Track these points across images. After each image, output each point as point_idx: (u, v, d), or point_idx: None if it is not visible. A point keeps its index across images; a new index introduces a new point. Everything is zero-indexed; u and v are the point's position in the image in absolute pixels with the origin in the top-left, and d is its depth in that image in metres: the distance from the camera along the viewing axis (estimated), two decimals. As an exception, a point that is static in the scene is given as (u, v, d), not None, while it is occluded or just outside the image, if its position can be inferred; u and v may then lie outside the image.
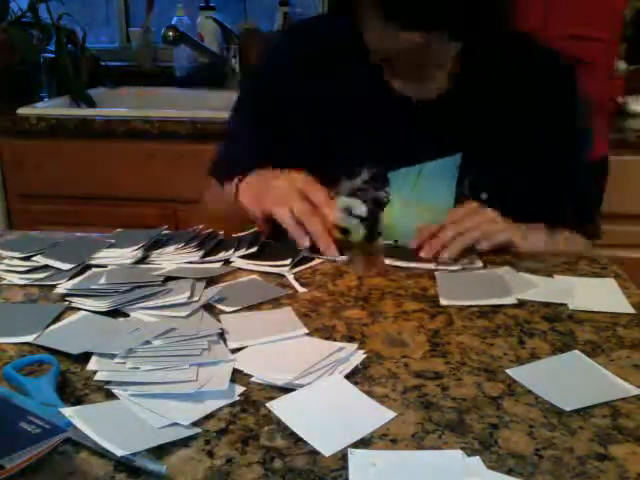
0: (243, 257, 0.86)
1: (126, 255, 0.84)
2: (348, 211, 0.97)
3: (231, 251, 0.87)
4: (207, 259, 0.85)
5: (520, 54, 0.98)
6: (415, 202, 0.97)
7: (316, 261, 0.86)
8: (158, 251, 0.86)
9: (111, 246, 0.87)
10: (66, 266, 0.81)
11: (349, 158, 0.98)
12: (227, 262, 0.86)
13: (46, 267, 0.82)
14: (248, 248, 0.87)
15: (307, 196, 0.87)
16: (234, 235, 0.92)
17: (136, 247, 0.85)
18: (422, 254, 0.87)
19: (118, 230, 0.93)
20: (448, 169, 0.97)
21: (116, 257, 0.84)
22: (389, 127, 0.97)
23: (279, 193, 0.88)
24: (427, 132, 0.96)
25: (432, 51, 0.85)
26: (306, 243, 0.86)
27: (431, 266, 0.85)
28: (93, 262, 0.83)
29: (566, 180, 1.01)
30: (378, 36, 0.85)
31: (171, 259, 0.84)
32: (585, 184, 1.05)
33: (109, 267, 0.82)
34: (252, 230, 0.93)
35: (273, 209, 0.87)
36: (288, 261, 0.84)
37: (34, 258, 0.84)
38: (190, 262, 0.84)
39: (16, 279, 0.79)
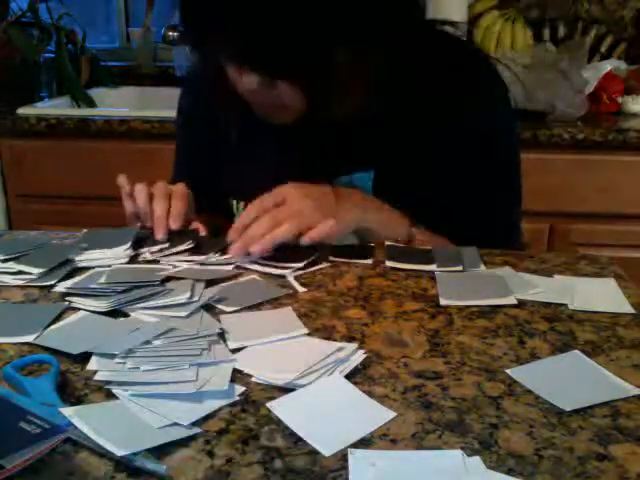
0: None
1: (119, 255, 0.84)
2: None
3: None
4: (215, 261, 0.85)
5: (440, 65, 0.94)
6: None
7: (321, 264, 0.86)
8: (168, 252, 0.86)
9: (90, 247, 0.86)
10: (36, 271, 0.80)
11: (262, 177, 0.94)
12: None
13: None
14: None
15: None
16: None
17: (126, 246, 0.85)
18: (231, 252, 0.83)
19: (84, 230, 0.93)
20: (362, 183, 0.97)
21: (107, 258, 0.84)
22: (296, 147, 0.97)
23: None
24: (339, 149, 0.94)
25: (278, 94, 0.84)
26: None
27: (433, 267, 0.84)
28: (81, 264, 0.83)
29: (479, 199, 0.98)
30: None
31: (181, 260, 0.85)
32: (495, 202, 1.01)
33: (100, 268, 0.82)
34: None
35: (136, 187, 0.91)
36: (297, 265, 0.84)
37: (8, 263, 0.83)
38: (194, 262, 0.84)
39: (10, 279, 0.79)
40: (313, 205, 0.84)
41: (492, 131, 0.97)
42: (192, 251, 0.87)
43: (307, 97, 0.85)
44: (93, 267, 0.82)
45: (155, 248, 0.87)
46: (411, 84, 0.93)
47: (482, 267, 0.84)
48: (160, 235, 0.88)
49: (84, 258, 0.84)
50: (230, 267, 0.84)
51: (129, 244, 0.86)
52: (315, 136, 0.93)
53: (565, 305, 0.75)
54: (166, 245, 0.87)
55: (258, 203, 0.85)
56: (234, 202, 1.05)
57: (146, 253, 0.86)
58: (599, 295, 0.78)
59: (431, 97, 0.95)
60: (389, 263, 0.86)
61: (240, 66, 0.81)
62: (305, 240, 0.82)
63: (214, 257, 0.85)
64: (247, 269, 0.84)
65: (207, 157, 1.07)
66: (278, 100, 0.86)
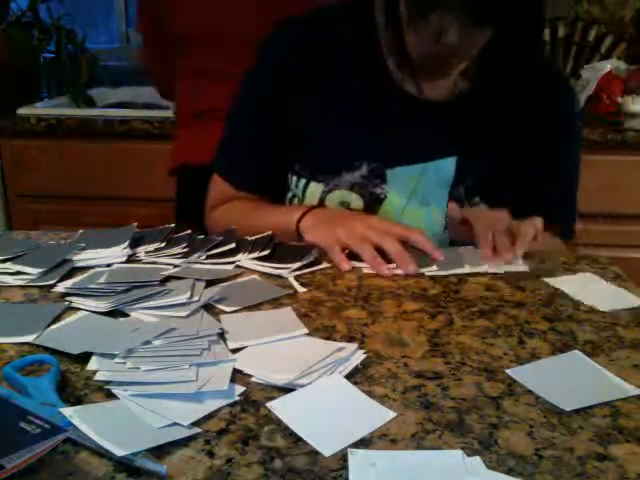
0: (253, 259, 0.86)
1: (117, 253, 0.84)
2: (345, 205, 0.97)
3: (245, 254, 0.87)
4: (217, 261, 0.85)
5: (524, 61, 0.97)
6: (411, 201, 0.98)
7: (323, 265, 0.86)
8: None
9: (88, 247, 0.86)
10: (35, 271, 0.80)
11: (348, 152, 0.98)
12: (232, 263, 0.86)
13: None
14: (261, 251, 0.87)
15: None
16: (248, 238, 0.91)
17: (124, 245, 0.85)
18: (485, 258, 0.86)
19: (80, 231, 0.93)
20: (446, 171, 0.97)
21: (105, 257, 0.84)
22: (390, 124, 0.97)
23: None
24: (428, 132, 0.96)
25: (466, 47, 0.85)
26: (385, 270, 0.85)
27: (465, 270, 0.84)
28: (80, 264, 0.83)
29: (558, 184, 1.03)
30: (421, 37, 0.84)
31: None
32: (573, 186, 1.07)
33: (98, 267, 0.82)
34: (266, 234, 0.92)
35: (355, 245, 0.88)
36: (295, 265, 0.84)
37: (6, 264, 0.82)
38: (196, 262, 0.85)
39: (10, 280, 0.79)
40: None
41: (571, 115, 1.03)
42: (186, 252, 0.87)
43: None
44: (92, 267, 0.82)
45: (151, 247, 0.87)
46: (498, 70, 0.95)
47: (486, 266, 0.85)
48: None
49: (82, 258, 0.84)
50: (230, 267, 0.84)
51: (127, 243, 0.86)
52: (421, 117, 0.95)
53: (565, 305, 0.75)
54: (162, 245, 0.87)
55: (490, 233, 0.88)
56: (294, 178, 1.02)
57: (141, 253, 0.86)
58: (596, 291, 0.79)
59: (520, 91, 0.97)
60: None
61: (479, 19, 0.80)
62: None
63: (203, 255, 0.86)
64: (247, 269, 0.84)
65: (274, 133, 1.02)
66: (462, 56, 0.88)
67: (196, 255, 0.85)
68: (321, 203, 0.98)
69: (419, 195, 0.97)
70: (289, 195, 1.04)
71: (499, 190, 0.96)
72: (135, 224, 0.93)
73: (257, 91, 1.03)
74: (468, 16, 0.79)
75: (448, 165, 0.97)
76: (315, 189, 0.99)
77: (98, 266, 0.82)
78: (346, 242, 0.88)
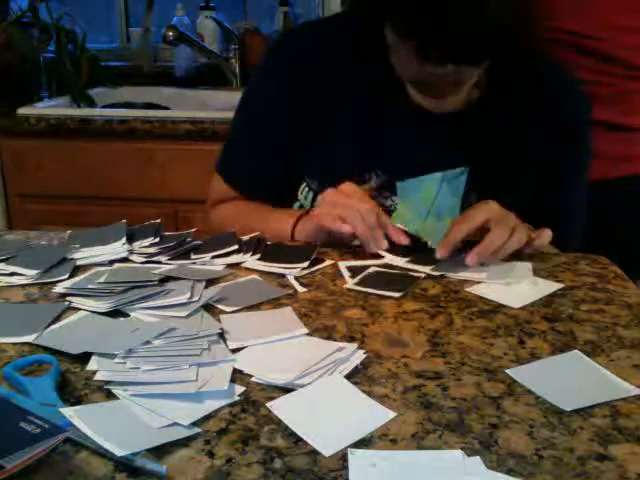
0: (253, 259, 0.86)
1: (118, 249, 0.85)
2: None
3: (240, 255, 0.87)
4: (216, 261, 0.85)
5: (532, 71, 0.96)
6: (421, 212, 0.97)
7: (324, 263, 0.86)
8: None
9: (84, 245, 0.86)
10: (31, 272, 0.80)
11: (358, 165, 0.97)
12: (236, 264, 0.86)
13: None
14: (254, 253, 0.87)
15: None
16: (242, 238, 0.91)
17: (122, 241, 0.85)
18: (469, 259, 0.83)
19: (69, 232, 0.93)
20: (456, 182, 0.96)
21: (106, 253, 0.85)
22: (400, 136, 0.96)
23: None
24: (437, 144, 0.95)
25: (467, 74, 0.83)
26: (384, 245, 0.86)
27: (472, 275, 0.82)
28: (81, 262, 0.83)
29: (568, 200, 1.01)
30: (403, 61, 0.83)
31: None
32: (573, 198, 1.03)
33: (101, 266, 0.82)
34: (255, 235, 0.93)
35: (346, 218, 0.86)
36: (304, 264, 0.84)
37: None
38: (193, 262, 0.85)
39: (11, 280, 0.79)
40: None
41: (581, 122, 0.99)
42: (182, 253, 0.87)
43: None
44: (94, 264, 0.83)
45: (146, 242, 0.87)
46: (507, 80, 0.94)
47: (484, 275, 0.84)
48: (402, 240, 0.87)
49: (83, 256, 0.84)
50: (221, 267, 0.84)
51: (124, 239, 0.86)
52: (430, 129, 0.93)
53: (566, 305, 0.75)
54: (156, 240, 0.88)
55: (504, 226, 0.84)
56: (302, 186, 1.02)
57: (135, 248, 0.86)
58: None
59: (524, 91, 0.96)
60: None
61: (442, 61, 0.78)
62: (527, 249, 0.86)
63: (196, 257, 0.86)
64: (247, 269, 0.84)
65: (279, 139, 1.02)
66: (462, 81, 0.85)
67: (195, 256, 0.85)
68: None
69: (432, 206, 0.96)
70: (296, 204, 1.04)
71: (508, 199, 0.92)
72: (124, 221, 0.92)
73: (262, 94, 1.02)
74: (438, 50, 0.75)
75: (460, 176, 0.96)
76: None
77: (101, 264, 0.83)
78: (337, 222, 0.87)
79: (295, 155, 1.00)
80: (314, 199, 1.00)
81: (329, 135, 0.98)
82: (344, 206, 0.85)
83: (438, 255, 0.84)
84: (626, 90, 1.24)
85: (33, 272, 0.80)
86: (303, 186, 1.02)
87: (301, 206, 1.03)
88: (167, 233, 0.92)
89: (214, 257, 0.85)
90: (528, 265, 0.84)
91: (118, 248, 0.85)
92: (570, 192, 1.02)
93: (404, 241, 0.85)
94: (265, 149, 1.02)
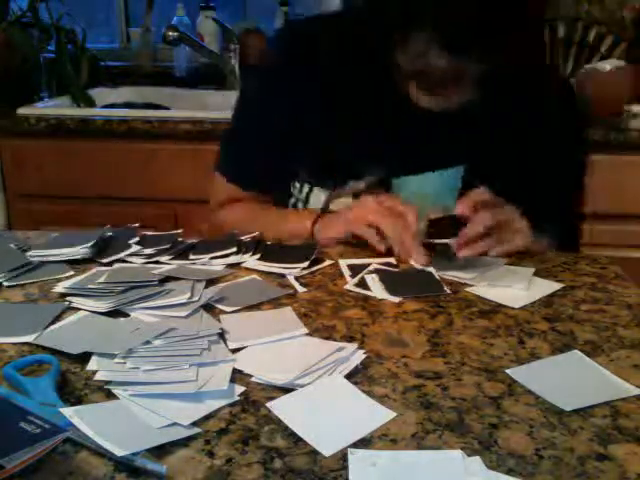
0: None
1: (78, 252, 0.85)
2: None
3: (239, 255, 0.87)
4: (216, 262, 0.85)
5: (524, 67, 0.96)
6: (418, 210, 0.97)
7: (324, 263, 0.86)
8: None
9: (52, 247, 0.87)
10: None
11: (355, 161, 0.98)
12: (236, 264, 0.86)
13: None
14: (254, 253, 0.87)
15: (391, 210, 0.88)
16: (242, 238, 0.91)
17: (87, 244, 0.85)
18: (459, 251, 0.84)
19: (55, 234, 0.93)
20: (451, 180, 0.96)
21: (62, 254, 0.86)
22: (396, 133, 0.96)
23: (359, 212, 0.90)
24: (433, 141, 0.95)
25: (459, 71, 0.83)
26: (381, 247, 0.87)
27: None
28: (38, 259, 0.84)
29: (564, 195, 1.02)
30: (407, 55, 0.83)
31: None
32: (564, 195, 1.04)
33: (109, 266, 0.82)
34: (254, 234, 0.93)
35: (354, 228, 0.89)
36: (305, 264, 0.84)
37: None
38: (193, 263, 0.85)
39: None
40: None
41: (573, 116, 1.01)
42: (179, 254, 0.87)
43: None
44: (52, 262, 0.84)
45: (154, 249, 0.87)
46: (501, 78, 0.93)
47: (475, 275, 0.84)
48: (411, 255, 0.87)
49: (40, 254, 0.85)
50: (220, 267, 0.84)
51: (92, 242, 0.86)
52: (427, 126, 0.93)
53: (566, 305, 0.75)
54: (167, 246, 0.88)
55: (489, 218, 0.85)
56: (297, 184, 1.03)
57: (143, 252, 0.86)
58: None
59: (517, 87, 0.96)
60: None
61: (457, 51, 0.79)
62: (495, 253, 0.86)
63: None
64: (247, 269, 0.84)
65: (280, 138, 1.02)
66: (466, 74, 0.84)
67: (194, 257, 0.85)
68: (325, 209, 0.98)
69: (427, 204, 0.96)
70: (292, 201, 1.04)
71: (504, 195, 0.93)
72: (108, 226, 0.93)
73: (262, 92, 1.03)
74: (445, 41, 0.77)
75: (456, 174, 0.97)
76: (319, 195, 0.99)
77: (59, 261, 0.84)
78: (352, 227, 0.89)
79: (295, 152, 1.00)
80: (309, 193, 1.01)
81: (328, 134, 0.98)
82: (382, 215, 0.87)
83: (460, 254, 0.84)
84: None
85: None
86: (296, 182, 1.03)
87: (296, 202, 1.03)
88: (149, 233, 0.92)
89: (212, 258, 0.85)
90: (530, 270, 0.84)
91: (76, 251, 0.85)
92: (554, 190, 1.02)
93: (422, 261, 0.85)
94: (267, 147, 1.02)
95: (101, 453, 0.48)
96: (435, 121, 0.93)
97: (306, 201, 1.01)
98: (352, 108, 0.97)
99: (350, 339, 0.67)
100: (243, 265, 0.85)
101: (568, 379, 0.61)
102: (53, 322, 0.69)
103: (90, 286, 0.75)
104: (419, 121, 0.93)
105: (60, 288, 0.76)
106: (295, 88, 0.99)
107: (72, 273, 0.81)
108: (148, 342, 0.62)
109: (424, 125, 0.93)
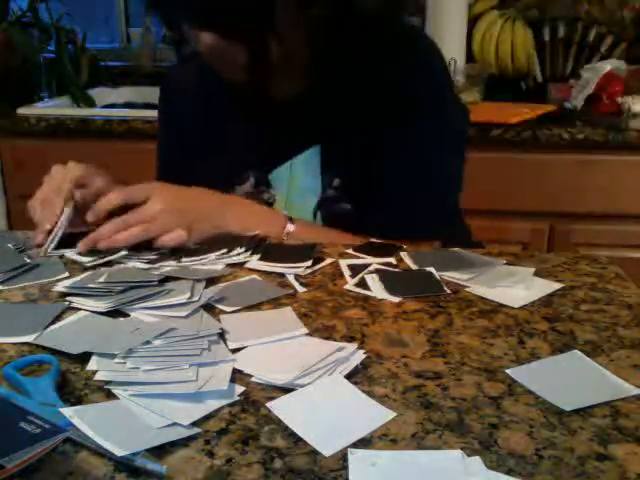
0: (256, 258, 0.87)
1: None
2: None
3: (240, 255, 0.87)
4: (217, 261, 0.85)
5: (375, 42, 1.00)
6: (292, 197, 1.04)
7: (324, 262, 0.86)
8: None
9: None
10: None
11: (235, 167, 1.06)
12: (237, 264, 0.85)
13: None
14: (254, 253, 0.87)
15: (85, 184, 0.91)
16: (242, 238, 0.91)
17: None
18: (80, 245, 0.86)
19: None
20: (312, 162, 1.02)
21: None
22: (259, 132, 1.05)
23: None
24: (292, 131, 1.02)
25: (245, 51, 0.89)
26: (38, 238, 0.88)
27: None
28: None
29: (420, 173, 1.00)
30: (193, 45, 0.92)
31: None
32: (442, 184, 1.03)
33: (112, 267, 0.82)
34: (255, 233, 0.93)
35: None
36: (307, 263, 0.84)
37: None
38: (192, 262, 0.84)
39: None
40: (169, 211, 0.87)
41: (423, 99, 0.99)
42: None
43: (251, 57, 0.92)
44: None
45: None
46: (353, 62, 0.99)
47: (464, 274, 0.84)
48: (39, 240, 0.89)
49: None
50: (221, 267, 0.83)
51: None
52: (268, 114, 1.02)
53: (566, 305, 0.75)
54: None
55: (126, 193, 0.88)
56: None
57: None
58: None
59: (370, 71, 0.99)
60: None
61: (196, 26, 0.89)
62: (157, 244, 0.87)
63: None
64: (247, 269, 0.84)
65: (181, 154, 1.14)
66: (233, 59, 0.92)
67: (192, 258, 0.85)
68: None
69: (297, 190, 1.03)
70: None
71: (355, 174, 1.00)
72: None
73: (160, 116, 1.20)
74: (193, 21, 0.89)
75: (312, 155, 1.02)
76: None
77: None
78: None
79: (188, 165, 1.10)
80: None
81: (206, 149, 1.09)
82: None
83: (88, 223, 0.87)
84: None
85: None
86: None
87: None
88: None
89: (217, 257, 0.85)
90: (530, 270, 0.84)
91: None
92: (428, 166, 1.00)
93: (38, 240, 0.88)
94: (176, 163, 1.14)
95: (101, 453, 0.48)
96: (286, 111, 1.01)
97: None
98: (222, 121, 1.08)
99: (350, 339, 0.67)
100: (245, 265, 0.85)
101: (568, 379, 0.61)
102: (53, 322, 0.69)
103: (90, 286, 0.75)
104: (272, 115, 1.03)
105: (60, 288, 0.76)
106: (176, 115, 1.14)
107: (67, 275, 0.81)
108: (148, 342, 0.62)
109: (276, 117, 1.03)
